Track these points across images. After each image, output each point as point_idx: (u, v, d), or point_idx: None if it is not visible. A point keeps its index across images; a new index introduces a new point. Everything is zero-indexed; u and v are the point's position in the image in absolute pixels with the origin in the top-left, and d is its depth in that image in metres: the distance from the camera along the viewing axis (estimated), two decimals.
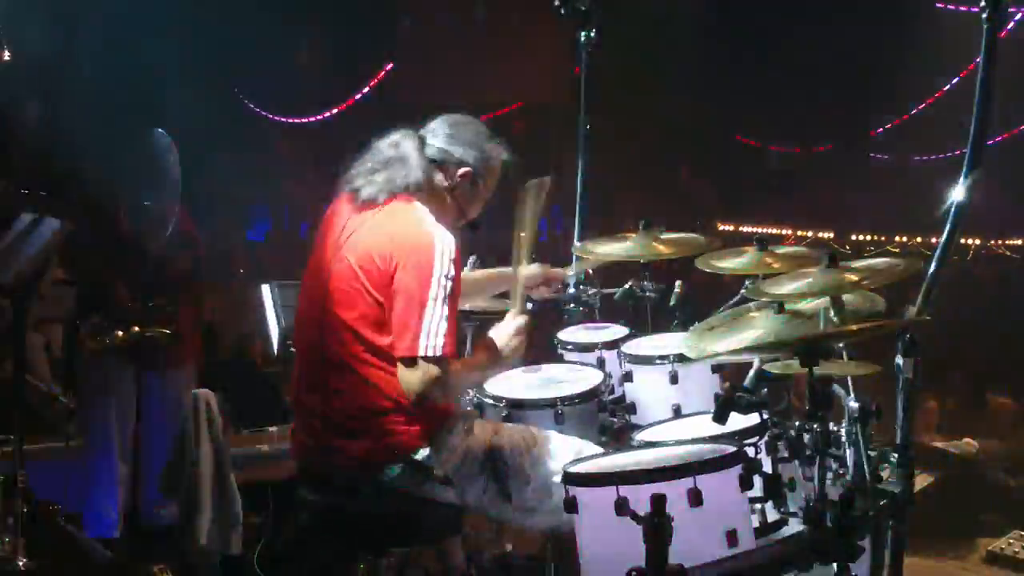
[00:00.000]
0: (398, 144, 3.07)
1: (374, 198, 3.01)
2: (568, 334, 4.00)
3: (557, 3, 4.43)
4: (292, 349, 3.42)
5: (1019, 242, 12.82)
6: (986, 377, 7.67)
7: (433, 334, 2.81)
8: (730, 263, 3.37)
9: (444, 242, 2.89)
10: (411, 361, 2.83)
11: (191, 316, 5.17)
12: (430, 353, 2.81)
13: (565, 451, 3.06)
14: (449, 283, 2.85)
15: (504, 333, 3.09)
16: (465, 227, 3.19)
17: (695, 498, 2.48)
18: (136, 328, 4.67)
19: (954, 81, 11.41)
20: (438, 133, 3.11)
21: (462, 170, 3.08)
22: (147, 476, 4.53)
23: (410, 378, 2.84)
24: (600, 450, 3.15)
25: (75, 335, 4.87)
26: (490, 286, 3.73)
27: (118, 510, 4.83)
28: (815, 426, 2.68)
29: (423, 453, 2.93)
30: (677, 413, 3.47)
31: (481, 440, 3.01)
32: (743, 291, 3.28)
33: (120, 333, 4.70)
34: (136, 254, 4.80)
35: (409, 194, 3.02)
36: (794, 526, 2.77)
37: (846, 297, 2.91)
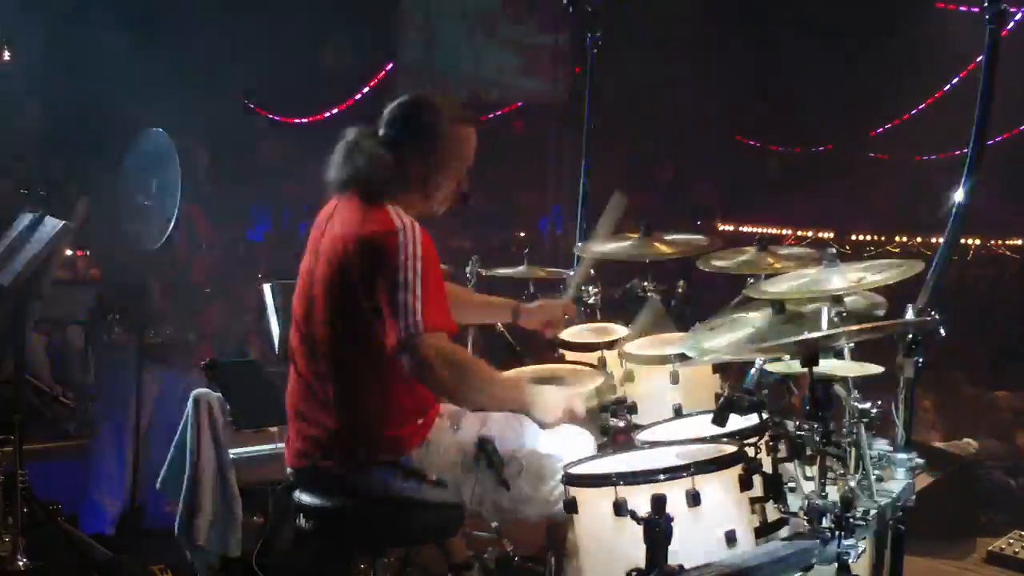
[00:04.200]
0: (347, 141, 3.07)
1: (337, 199, 3.04)
2: (569, 334, 4.01)
3: (566, 1, 4.43)
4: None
5: (1019, 242, 12.80)
6: (986, 375, 7.68)
7: (409, 313, 2.76)
8: (730, 263, 3.37)
9: (406, 230, 2.85)
10: (397, 349, 2.78)
11: (211, 317, 5.21)
12: (410, 331, 2.75)
13: (554, 436, 3.06)
14: (417, 263, 2.80)
15: (549, 401, 3.03)
16: (457, 202, 3.14)
17: (694, 498, 2.48)
18: (174, 330, 4.71)
19: (954, 81, 11.40)
20: (387, 119, 3.08)
21: (409, 146, 3.04)
22: (153, 476, 4.53)
23: (408, 364, 2.78)
24: (586, 434, 3.15)
25: (103, 332, 4.88)
26: (483, 313, 3.72)
27: (121, 506, 4.83)
28: (815, 426, 2.68)
29: (414, 456, 2.93)
30: (678, 413, 3.47)
31: (471, 434, 3.00)
32: (744, 291, 3.28)
33: (151, 334, 4.73)
34: (167, 254, 4.83)
35: (367, 187, 3.00)
36: (795, 526, 2.77)
37: (846, 297, 2.92)
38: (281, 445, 3.26)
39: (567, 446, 3.04)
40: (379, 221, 2.89)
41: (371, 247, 2.85)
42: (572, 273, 4.24)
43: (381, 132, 3.08)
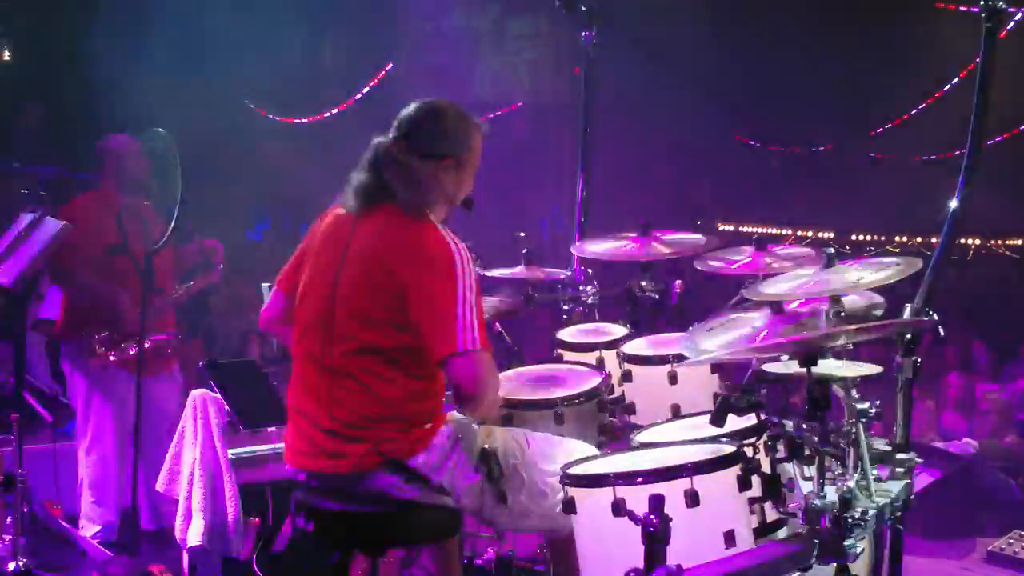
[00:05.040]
0: (378, 151, 3.05)
1: (367, 207, 3.00)
2: (568, 334, 4.01)
3: (559, 2, 4.44)
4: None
5: (1019, 242, 12.81)
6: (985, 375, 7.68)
7: (469, 329, 2.84)
8: (729, 263, 3.37)
9: (459, 248, 2.92)
10: (454, 356, 2.83)
11: (173, 317, 5.17)
12: (469, 347, 2.83)
13: (560, 453, 3.06)
14: (471, 281, 2.89)
15: None
16: (461, 207, 3.17)
17: (692, 498, 2.48)
18: (145, 338, 4.68)
19: (954, 81, 11.40)
20: (419, 130, 3.07)
21: (446, 163, 3.06)
22: (147, 477, 4.53)
23: (461, 371, 2.84)
24: (595, 451, 3.15)
25: (79, 344, 4.86)
26: None
27: (117, 514, 4.84)
28: (814, 426, 2.68)
29: (419, 460, 2.93)
30: (676, 413, 3.47)
31: (475, 444, 3.00)
32: (742, 291, 3.28)
33: (130, 344, 4.72)
34: (126, 258, 4.81)
35: (409, 199, 3.00)
36: (794, 526, 2.77)
37: (846, 297, 2.92)
38: (280, 445, 3.25)
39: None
40: (432, 236, 2.93)
41: (429, 261, 2.87)
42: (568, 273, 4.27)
43: (411, 142, 3.06)
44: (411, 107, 3.13)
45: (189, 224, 4.90)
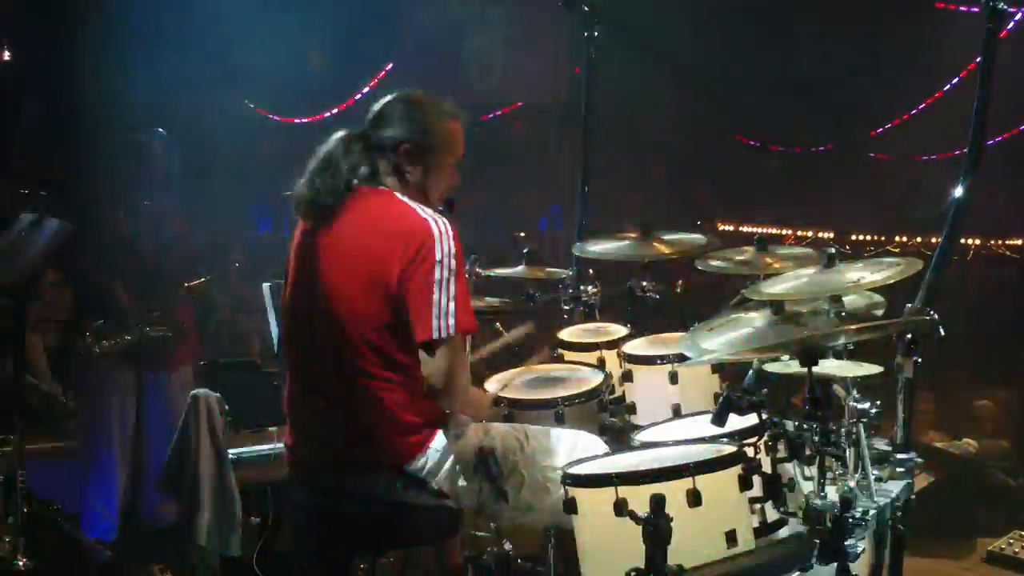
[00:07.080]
0: (331, 146, 3.04)
1: (330, 202, 2.97)
2: (568, 334, 4.01)
3: (561, 2, 4.44)
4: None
5: (1019, 242, 12.80)
6: (979, 378, 7.66)
7: (444, 315, 2.80)
8: (730, 263, 3.38)
9: (440, 224, 2.86)
10: (427, 345, 2.83)
11: (188, 315, 5.17)
12: (443, 335, 2.80)
13: (562, 446, 3.05)
14: (452, 262, 2.83)
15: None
16: (442, 206, 3.09)
17: (694, 498, 2.48)
18: (140, 330, 4.68)
19: (954, 81, 11.39)
20: (378, 119, 3.05)
21: (402, 148, 3.00)
22: (147, 476, 4.54)
23: (431, 361, 2.84)
24: (599, 441, 3.14)
25: (75, 336, 4.88)
26: None
27: (117, 512, 4.84)
28: (815, 426, 2.68)
29: (416, 465, 2.91)
30: (677, 413, 3.47)
31: (471, 443, 2.97)
32: (743, 291, 3.28)
33: (126, 336, 4.72)
34: (133, 255, 4.83)
35: (372, 186, 2.99)
36: (794, 526, 2.78)
37: (846, 297, 2.92)
38: (280, 445, 3.26)
39: (574, 455, 3.02)
40: (409, 217, 2.88)
41: (407, 243, 2.83)
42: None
43: (373, 134, 3.04)
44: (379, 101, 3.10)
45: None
